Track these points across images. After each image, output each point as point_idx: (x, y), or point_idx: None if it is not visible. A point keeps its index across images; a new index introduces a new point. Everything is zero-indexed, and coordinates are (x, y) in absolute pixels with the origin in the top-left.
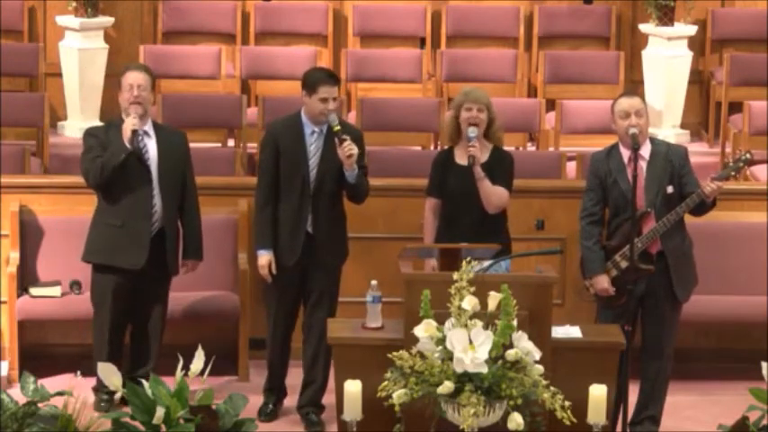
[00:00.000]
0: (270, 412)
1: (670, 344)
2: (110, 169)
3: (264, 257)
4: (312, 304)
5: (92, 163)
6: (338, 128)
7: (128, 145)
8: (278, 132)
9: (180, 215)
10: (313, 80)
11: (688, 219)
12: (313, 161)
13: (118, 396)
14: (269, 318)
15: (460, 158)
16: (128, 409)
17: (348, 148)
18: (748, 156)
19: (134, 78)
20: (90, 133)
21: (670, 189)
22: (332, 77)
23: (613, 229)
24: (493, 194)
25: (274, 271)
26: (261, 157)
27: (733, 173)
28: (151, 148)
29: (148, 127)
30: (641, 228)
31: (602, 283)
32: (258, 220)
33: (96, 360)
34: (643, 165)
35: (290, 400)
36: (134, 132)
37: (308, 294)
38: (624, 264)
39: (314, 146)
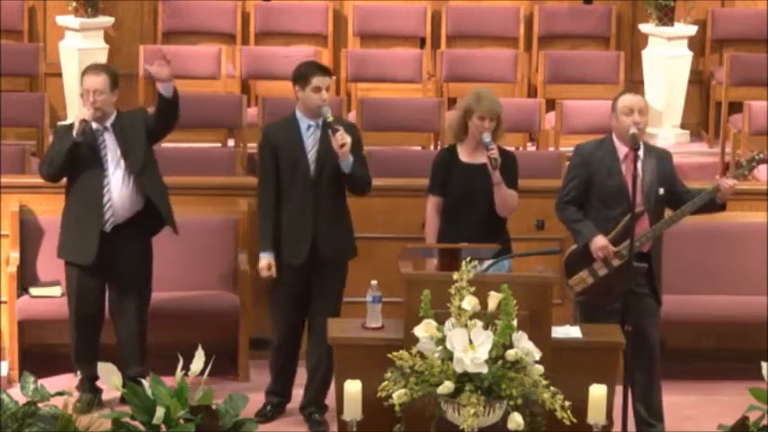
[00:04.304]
0: (268, 414)
1: (657, 338)
2: (59, 161)
3: (265, 260)
4: (317, 304)
5: (46, 156)
6: (331, 118)
7: (74, 134)
8: (273, 135)
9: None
10: (304, 72)
11: (688, 219)
12: (311, 155)
13: (109, 396)
14: (275, 325)
15: (465, 156)
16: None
17: (341, 137)
18: (762, 155)
19: (90, 83)
20: (56, 131)
21: (661, 191)
22: (322, 68)
23: (599, 223)
24: (509, 197)
25: (274, 274)
26: (260, 161)
27: (746, 172)
28: (110, 143)
29: (110, 123)
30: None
31: (601, 240)
32: (260, 224)
33: (71, 357)
34: (639, 164)
35: (292, 400)
36: (84, 123)
37: (313, 294)
38: (603, 271)
39: (311, 140)
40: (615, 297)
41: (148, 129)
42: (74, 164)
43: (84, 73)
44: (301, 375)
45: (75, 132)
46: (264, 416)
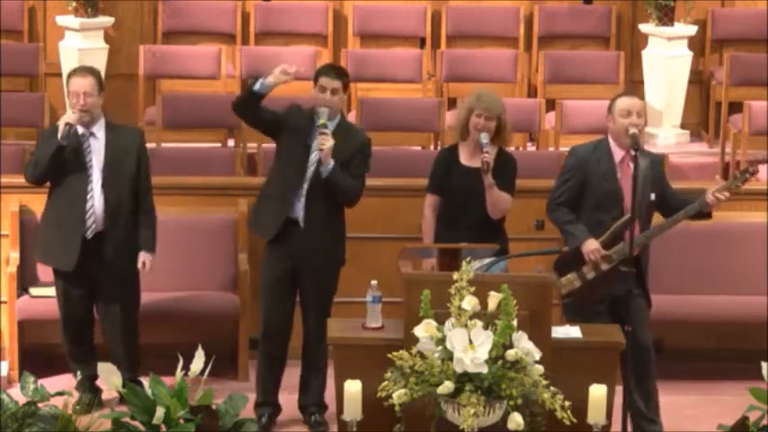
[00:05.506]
0: (265, 425)
1: (650, 336)
2: (43, 164)
3: None
4: (307, 308)
5: (31, 158)
6: (323, 121)
7: (59, 137)
8: (295, 114)
9: (135, 215)
10: (317, 71)
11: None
12: (315, 154)
13: (109, 396)
14: (260, 328)
15: (465, 158)
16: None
17: (321, 141)
18: (753, 168)
19: (79, 85)
20: (42, 132)
21: (653, 196)
22: (333, 70)
23: (593, 226)
24: (501, 201)
25: None
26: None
27: (739, 184)
28: (96, 149)
29: (98, 128)
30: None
31: (593, 244)
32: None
33: (67, 357)
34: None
35: (291, 399)
36: (69, 126)
37: (302, 297)
38: (591, 274)
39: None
40: (599, 300)
41: (137, 170)
42: (59, 167)
43: (70, 75)
44: (296, 374)
45: (59, 135)
46: (261, 428)
